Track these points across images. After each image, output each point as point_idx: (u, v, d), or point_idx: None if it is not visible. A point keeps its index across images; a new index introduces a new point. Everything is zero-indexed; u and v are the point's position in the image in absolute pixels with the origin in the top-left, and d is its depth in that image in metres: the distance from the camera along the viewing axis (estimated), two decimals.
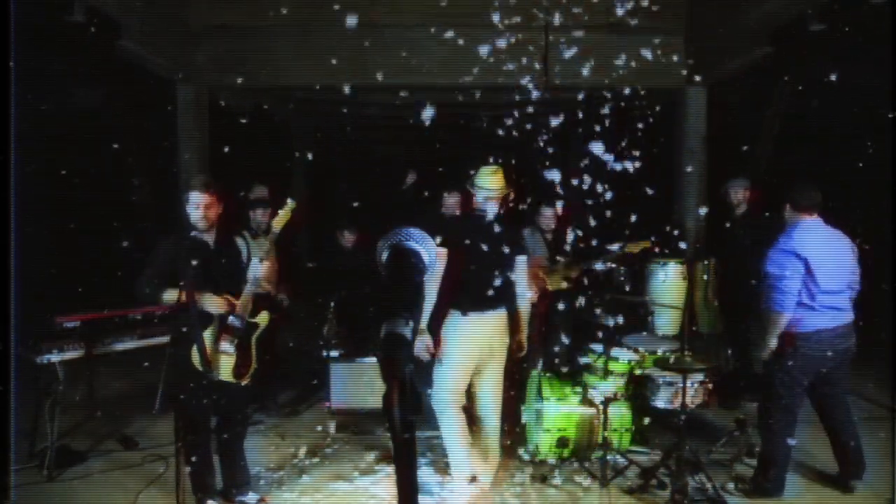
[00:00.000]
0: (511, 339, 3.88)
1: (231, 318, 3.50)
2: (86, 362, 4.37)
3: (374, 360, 5.04)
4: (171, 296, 3.43)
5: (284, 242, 4.20)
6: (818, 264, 3.60)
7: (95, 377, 4.78)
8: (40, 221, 5.96)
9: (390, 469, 4.18)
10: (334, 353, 5.14)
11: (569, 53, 7.04)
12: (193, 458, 3.52)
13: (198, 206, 3.46)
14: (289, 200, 3.66)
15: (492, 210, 3.83)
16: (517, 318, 3.89)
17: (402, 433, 0.86)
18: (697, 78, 7.32)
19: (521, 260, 3.90)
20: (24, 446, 4.24)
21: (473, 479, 3.76)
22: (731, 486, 3.93)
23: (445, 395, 3.74)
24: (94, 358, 4.40)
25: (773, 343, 3.71)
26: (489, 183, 3.80)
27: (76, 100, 6.84)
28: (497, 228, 3.82)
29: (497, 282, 3.75)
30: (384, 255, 1.14)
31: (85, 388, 4.79)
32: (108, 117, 6.39)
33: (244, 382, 3.57)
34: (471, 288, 3.69)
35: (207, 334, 3.47)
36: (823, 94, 6.64)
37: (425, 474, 4.15)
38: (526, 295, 3.93)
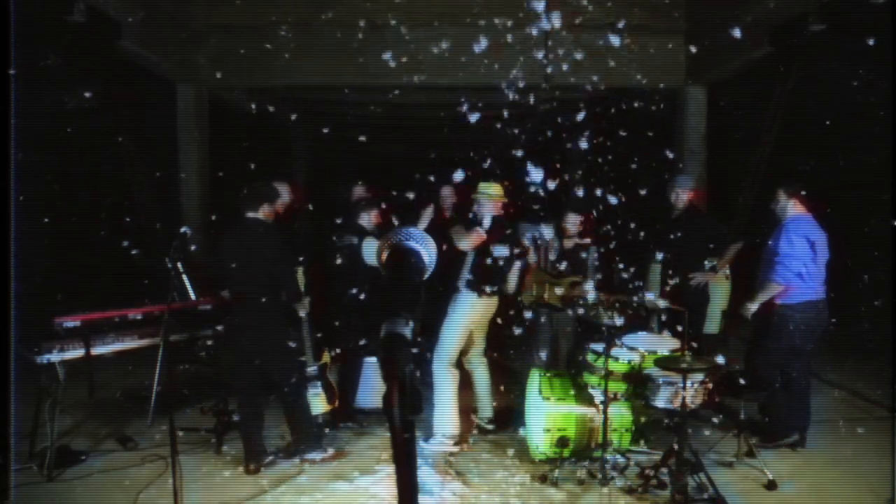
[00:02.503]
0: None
1: (308, 369, 4.60)
2: (86, 362, 4.37)
3: (374, 359, 5.05)
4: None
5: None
6: (818, 248, 4.36)
7: (95, 377, 4.78)
8: (40, 221, 5.97)
9: (390, 469, 4.17)
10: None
11: (569, 53, 7.05)
12: (246, 429, 4.24)
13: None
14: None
15: (489, 214, 4.66)
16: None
17: (402, 433, 0.86)
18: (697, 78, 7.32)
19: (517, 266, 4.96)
20: (24, 446, 4.24)
21: (458, 443, 4.59)
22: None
23: (447, 356, 4.63)
24: (94, 358, 4.40)
25: (755, 307, 4.46)
26: (490, 190, 4.71)
27: (76, 100, 6.84)
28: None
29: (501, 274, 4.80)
30: (384, 255, 1.14)
31: (85, 388, 4.79)
32: (109, 117, 6.39)
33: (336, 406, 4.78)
34: (485, 276, 4.65)
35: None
36: (823, 94, 6.64)
37: (425, 474, 4.15)
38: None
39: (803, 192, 4.50)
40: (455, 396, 4.65)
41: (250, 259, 4.13)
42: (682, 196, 5.34)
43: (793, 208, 4.47)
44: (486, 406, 4.98)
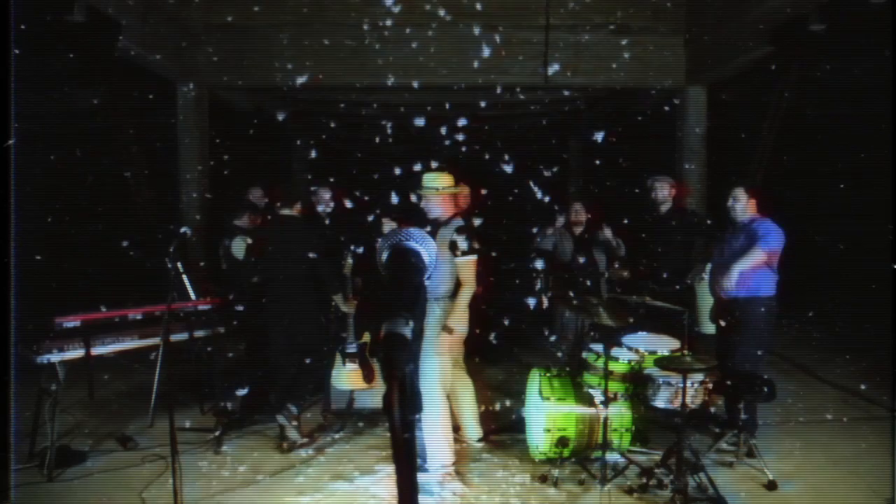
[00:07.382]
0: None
1: (348, 346, 4.70)
2: (86, 362, 4.36)
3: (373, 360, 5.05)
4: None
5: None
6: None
7: (95, 377, 4.77)
8: (40, 221, 5.97)
9: (390, 469, 4.17)
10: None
11: (569, 53, 7.05)
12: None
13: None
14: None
15: (435, 210, 4.11)
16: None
17: (402, 433, 0.86)
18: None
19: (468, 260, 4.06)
20: (24, 446, 4.24)
21: (452, 465, 4.15)
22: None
23: (436, 378, 4.05)
24: (94, 358, 4.39)
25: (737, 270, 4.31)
26: (434, 181, 4.10)
27: (76, 100, 6.83)
28: (450, 233, 4.05)
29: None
30: (384, 255, 1.14)
31: (85, 389, 4.78)
32: (108, 117, 6.38)
33: (375, 387, 4.77)
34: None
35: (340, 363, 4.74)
36: (823, 94, 6.64)
37: (425, 474, 4.15)
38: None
39: (761, 193, 4.51)
40: (448, 423, 4.23)
41: (284, 251, 4.64)
42: (663, 192, 5.31)
43: (750, 209, 4.44)
44: (471, 426, 4.61)
